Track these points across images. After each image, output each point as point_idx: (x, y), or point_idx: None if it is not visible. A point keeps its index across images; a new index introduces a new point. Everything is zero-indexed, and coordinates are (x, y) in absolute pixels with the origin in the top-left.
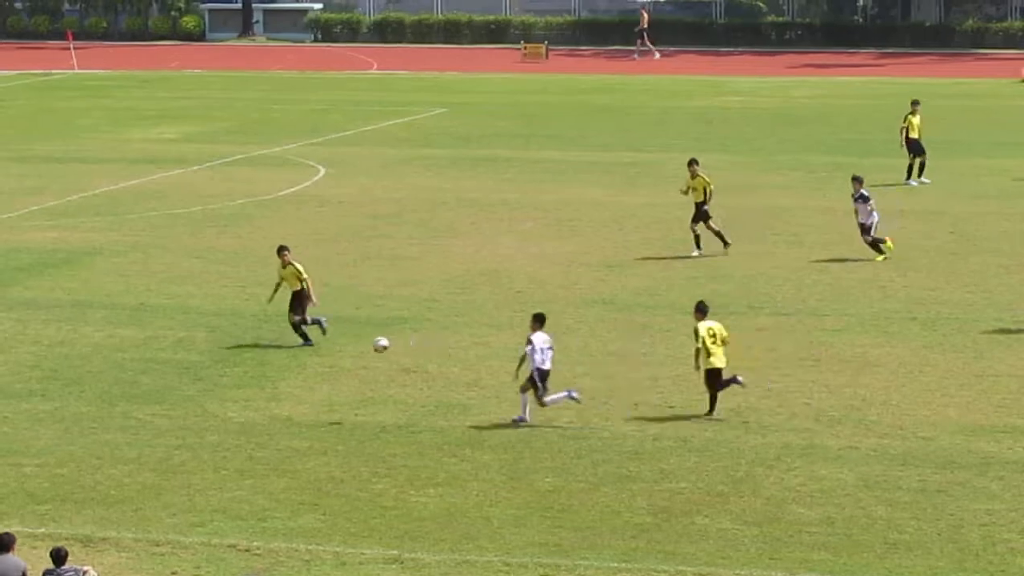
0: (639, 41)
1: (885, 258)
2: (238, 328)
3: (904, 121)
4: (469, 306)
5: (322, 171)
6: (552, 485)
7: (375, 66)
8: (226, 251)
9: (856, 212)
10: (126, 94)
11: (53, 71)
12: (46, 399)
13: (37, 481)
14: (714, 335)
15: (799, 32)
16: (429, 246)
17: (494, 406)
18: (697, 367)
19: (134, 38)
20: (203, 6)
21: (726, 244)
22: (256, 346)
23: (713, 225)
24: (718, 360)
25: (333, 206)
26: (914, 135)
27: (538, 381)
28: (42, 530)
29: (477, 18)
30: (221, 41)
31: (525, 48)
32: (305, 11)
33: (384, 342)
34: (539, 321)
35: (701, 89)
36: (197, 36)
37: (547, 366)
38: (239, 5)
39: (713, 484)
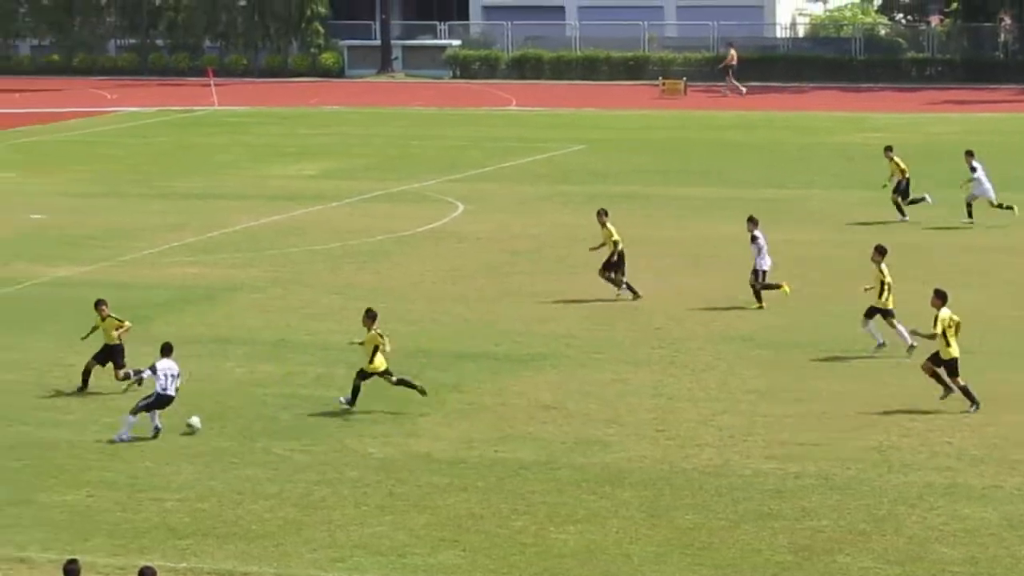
0: (727, 77)
1: (759, 307)
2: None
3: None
4: (607, 343)
5: (460, 207)
6: (692, 522)
7: (513, 102)
8: (365, 287)
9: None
10: (266, 131)
11: (194, 108)
12: (188, 435)
13: (178, 516)
14: (952, 324)
15: (939, 68)
16: (567, 282)
17: (633, 443)
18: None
19: (274, 75)
20: (342, 43)
21: (627, 291)
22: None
23: (614, 276)
24: (955, 350)
25: (471, 242)
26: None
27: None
28: (183, 565)
29: (615, 55)
30: (360, 78)
31: (663, 84)
32: (444, 48)
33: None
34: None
35: (841, 125)
36: (336, 73)
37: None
38: (378, 42)
39: (855, 522)
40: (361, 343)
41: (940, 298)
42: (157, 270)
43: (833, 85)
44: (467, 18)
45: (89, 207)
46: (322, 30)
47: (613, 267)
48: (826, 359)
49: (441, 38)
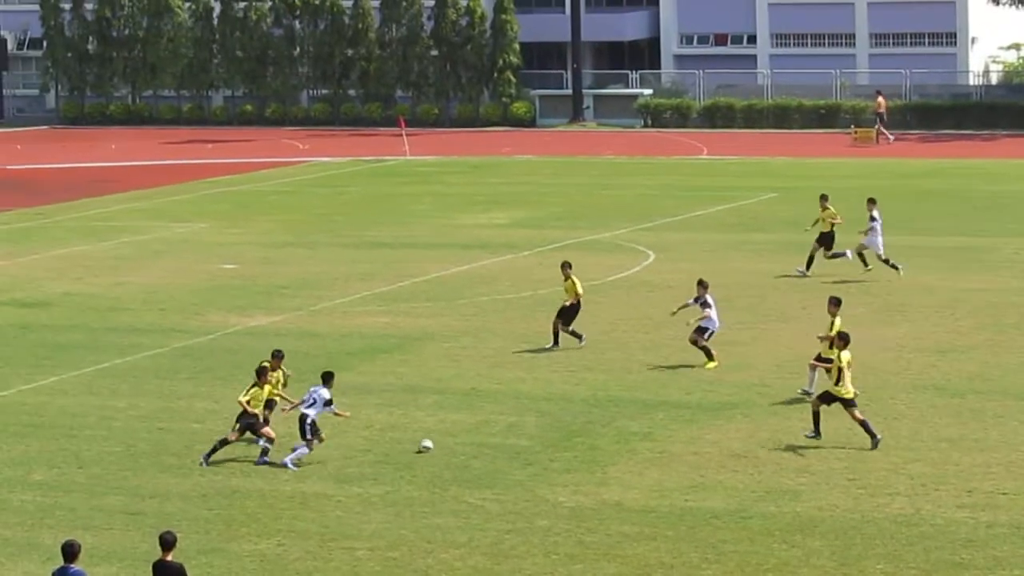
0: (878, 125)
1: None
2: (568, 413)
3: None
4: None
5: (651, 256)
6: (883, 572)
7: (704, 151)
8: (548, 335)
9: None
10: (457, 180)
11: (385, 157)
12: (378, 483)
13: (369, 565)
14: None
15: None
16: (759, 331)
17: (824, 492)
18: None
19: (465, 124)
20: (534, 92)
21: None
22: (586, 431)
23: (564, 328)
24: None
25: (662, 291)
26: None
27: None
28: None
29: (807, 103)
30: (551, 127)
31: (855, 132)
32: (635, 97)
33: (428, 444)
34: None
35: None
36: (528, 122)
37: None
38: (569, 91)
39: None
40: None
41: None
42: (348, 319)
43: None
44: (658, 67)
45: (281, 257)
46: (514, 80)
47: (565, 315)
48: (1019, 408)
49: (632, 87)
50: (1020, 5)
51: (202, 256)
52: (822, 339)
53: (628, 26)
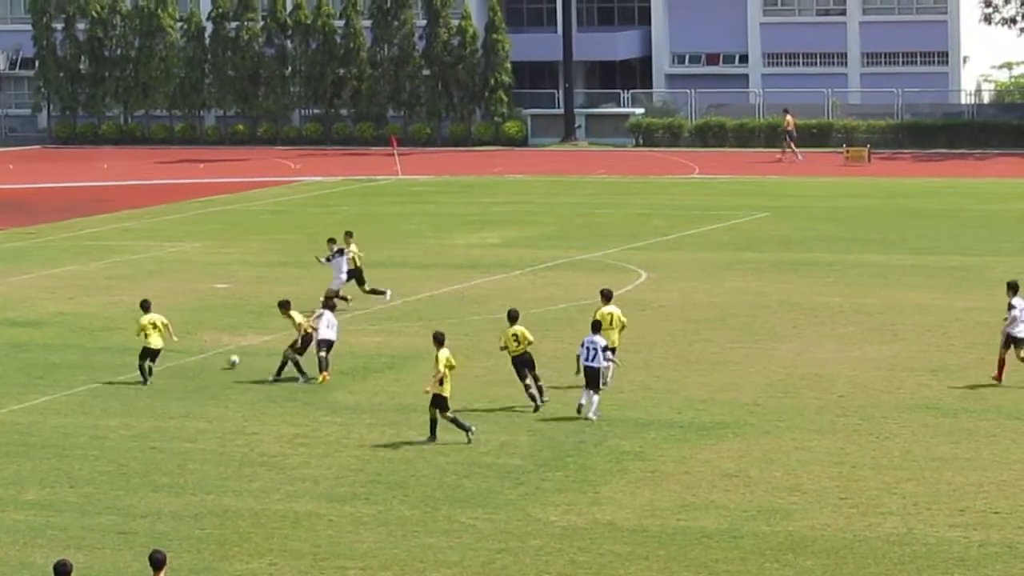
0: (785, 143)
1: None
2: (560, 432)
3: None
4: (791, 411)
5: (643, 275)
6: None
7: (696, 170)
8: (548, 355)
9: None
10: (449, 199)
11: (377, 177)
12: (370, 502)
13: None
14: None
15: None
16: (751, 350)
17: (816, 511)
18: None
19: (457, 144)
20: (526, 112)
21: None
22: (578, 450)
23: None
24: None
25: (654, 310)
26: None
27: None
28: None
29: (799, 122)
30: (543, 146)
31: (847, 152)
32: (627, 116)
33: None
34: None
35: None
36: (520, 142)
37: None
38: (561, 111)
39: None
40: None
41: None
42: (345, 338)
43: (1019, 152)
44: (650, 86)
45: (273, 276)
46: (506, 99)
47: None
48: (1011, 427)
49: (624, 106)
50: (1011, 25)
51: (195, 275)
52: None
53: (620, 45)
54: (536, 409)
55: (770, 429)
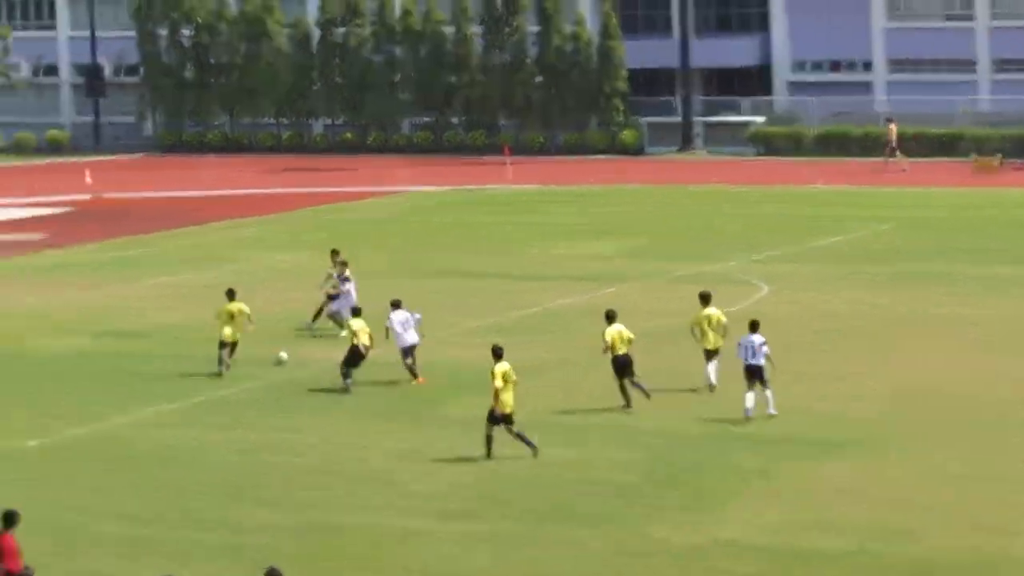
0: (890, 150)
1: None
2: (678, 449)
3: None
4: (915, 425)
5: (764, 288)
6: None
7: (819, 181)
8: (663, 371)
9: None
10: (563, 209)
11: (487, 186)
12: (482, 519)
13: None
14: None
15: None
16: (873, 364)
17: (943, 532)
18: None
19: (571, 152)
20: (642, 120)
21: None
22: (696, 467)
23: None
24: None
25: (776, 323)
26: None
27: None
28: None
29: (927, 131)
30: (660, 155)
31: (976, 161)
32: (746, 124)
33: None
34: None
35: None
36: (636, 150)
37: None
38: (679, 119)
39: None
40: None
41: None
42: (452, 351)
43: None
44: (771, 93)
45: (382, 288)
46: (622, 107)
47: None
48: None
49: (744, 114)
50: None
51: (301, 286)
52: None
53: (738, 52)
54: (646, 394)
55: (894, 444)
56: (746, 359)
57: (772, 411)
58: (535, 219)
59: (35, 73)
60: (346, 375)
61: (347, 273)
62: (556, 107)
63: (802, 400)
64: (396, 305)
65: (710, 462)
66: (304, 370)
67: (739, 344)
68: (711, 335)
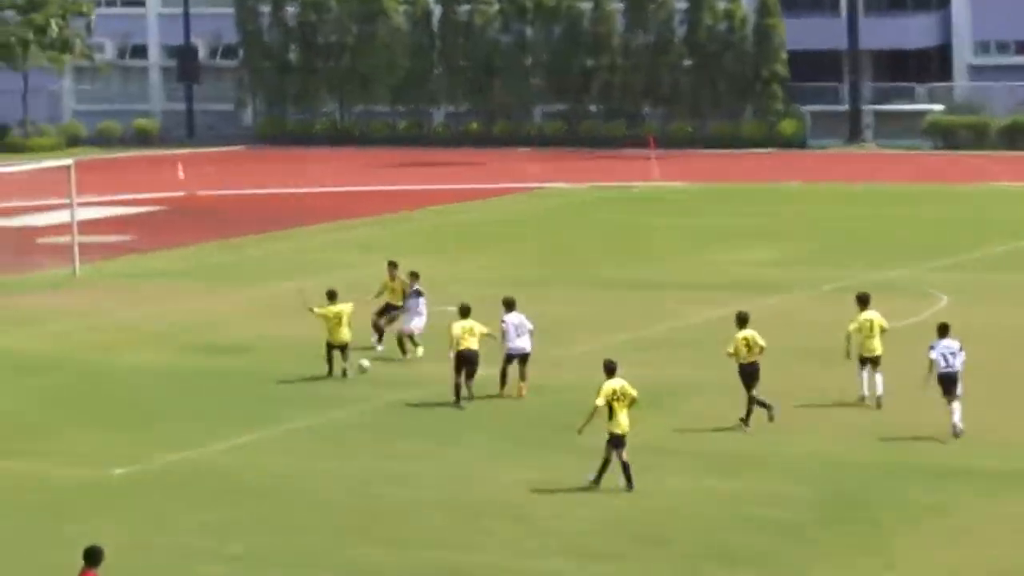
0: None
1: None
2: (845, 481)
3: None
4: None
5: (944, 299)
6: None
7: (1004, 178)
8: (832, 390)
9: None
10: (713, 209)
11: (631, 183)
12: (625, 560)
13: None
14: None
15: None
16: None
17: None
18: None
19: (724, 145)
20: (804, 109)
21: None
22: (867, 503)
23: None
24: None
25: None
26: None
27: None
28: None
29: None
30: (824, 148)
31: None
32: (923, 113)
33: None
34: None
35: None
36: (797, 143)
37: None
38: (846, 107)
39: None
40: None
41: None
42: (591, 371)
43: None
44: (950, 79)
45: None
46: (780, 93)
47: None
48: None
49: (919, 102)
50: None
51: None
52: None
53: (913, 32)
54: (769, 413)
55: None
56: (944, 366)
57: (958, 423)
58: (682, 221)
59: (121, 55)
60: (457, 388)
61: (418, 286)
62: (707, 94)
63: (987, 427)
64: (510, 306)
65: (880, 496)
66: (421, 389)
67: (932, 348)
68: (868, 342)
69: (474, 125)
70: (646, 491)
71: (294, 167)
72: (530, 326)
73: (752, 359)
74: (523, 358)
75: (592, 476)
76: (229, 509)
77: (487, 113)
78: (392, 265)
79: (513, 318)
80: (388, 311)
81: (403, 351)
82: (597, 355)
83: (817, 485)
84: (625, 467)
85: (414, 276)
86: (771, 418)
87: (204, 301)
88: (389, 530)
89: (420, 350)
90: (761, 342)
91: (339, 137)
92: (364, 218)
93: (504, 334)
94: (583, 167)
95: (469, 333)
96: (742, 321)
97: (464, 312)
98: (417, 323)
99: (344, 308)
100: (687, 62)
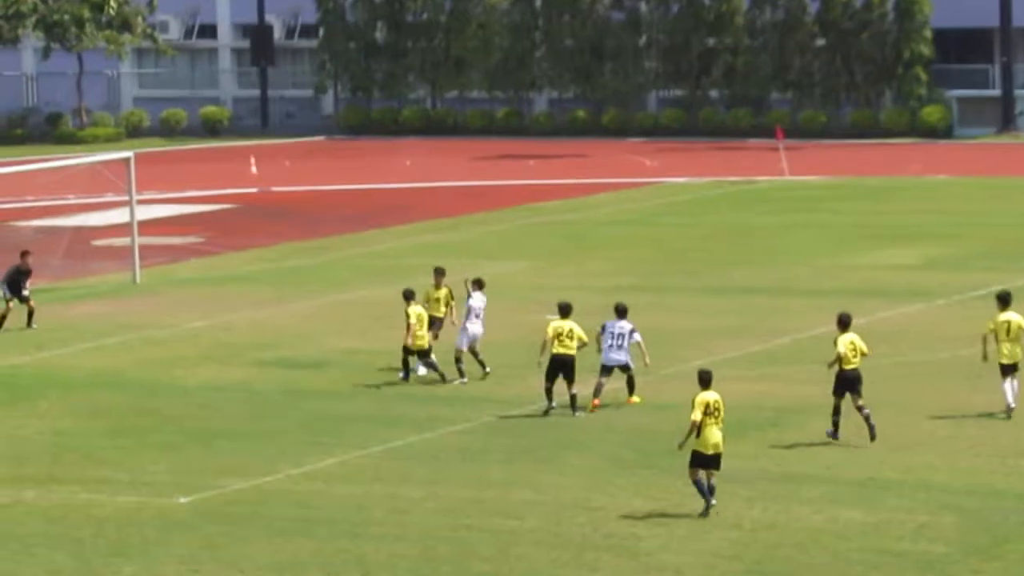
0: None
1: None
2: (996, 512)
3: None
4: None
5: None
6: None
7: None
8: (980, 410)
9: None
10: (849, 207)
11: (756, 178)
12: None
13: None
14: None
15: None
16: None
17: None
18: None
19: (861, 135)
20: (950, 94)
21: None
22: (1019, 535)
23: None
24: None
25: None
26: None
27: None
28: None
29: None
30: (973, 138)
31: None
32: None
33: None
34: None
35: None
36: (943, 132)
37: None
38: (998, 92)
39: None
40: None
41: None
42: (714, 384)
43: None
44: None
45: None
46: (924, 77)
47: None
48: None
49: None
50: None
51: (519, 304)
52: None
53: None
54: (871, 431)
55: None
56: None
57: None
58: (815, 219)
59: (187, 35)
60: (548, 393)
61: (477, 294)
62: (842, 78)
63: None
64: (622, 313)
65: None
66: (518, 407)
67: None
68: (1007, 346)
69: (580, 113)
70: (769, 522)
71: (380, 160)
72: (637, 337)
73: (855, 365)
74: (625, 369)
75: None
76: (306, 541)
77: (595, 100)
78: (439, 272)
79: (617, 326)
80: (433, 325)
81: (460, 373)
82: (714, 368)
83: (965, 516)
84: (711, 490)
85: (477, 284)
86: (872, 436)
87: (279, 310)
88: (485, 564)
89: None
90: (864, 347)
91: (430, 127)
92: (456, 217)
93: (600, 341)
94: (702, 160)
95: (567, 336)
96: (844, 324)
97: (564, 311)
98: (472, 334)
99: (418, 311)
100: (820, 42)
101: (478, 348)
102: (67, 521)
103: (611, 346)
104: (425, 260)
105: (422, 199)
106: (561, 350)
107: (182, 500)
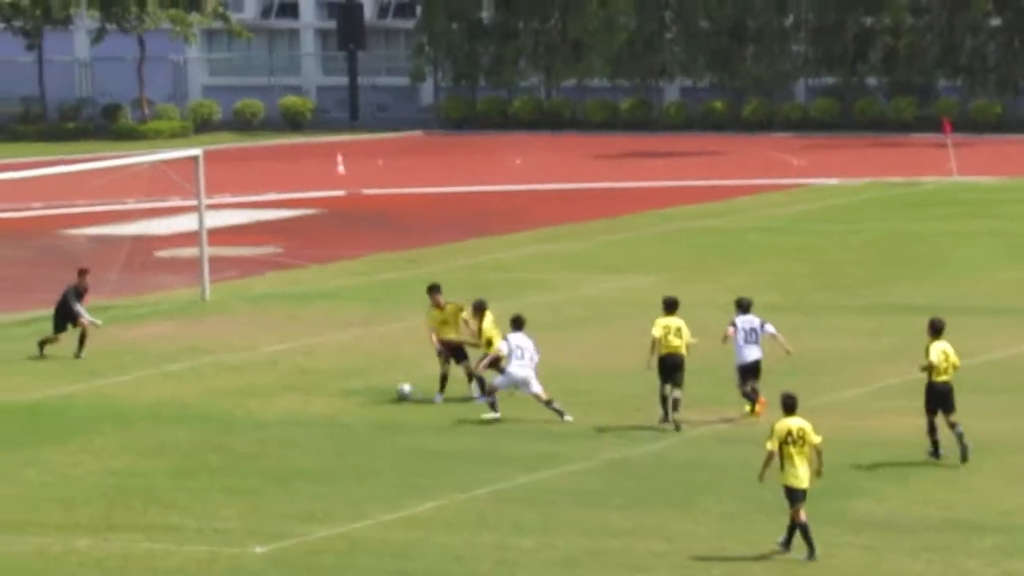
0: None
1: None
2: None
3: None
4: None
5: None
6: None
7: None
8: None
9: None
10: None
11: (921, 178)
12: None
13: None
14: None
15: None
16: None
17: None
18: None
19: None
20: None
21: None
22: None
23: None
24: None
25: None
26: None
27: None
28: None
29: None
30: None
31: None
32: None
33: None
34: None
35: None
36: None
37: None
38: None
39: None
40: None
41: None
42: (864, 419)
43: None
44: None
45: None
46: None
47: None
48: None
49: None
50: None
51: (645, 325)
52: None
53: None
54: (963, 451)
55: None
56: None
57: None
58: (989, 226)
59: (265, 15)
60: (664, 400)
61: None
62: (1020, 63)
63: None
64: (745, 307)
65: None
66: (641, 446)
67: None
68: None
69: (717, 105)
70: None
71: (485, 159)
72: (770, 328)
73: (947, 378)
74: (755, 367)
75: (781, 538)
76: None
77: (735, 90)
78: (434, 289)
79: (744, 320)
80: (455, 354)
81: (493, 407)
82: (870, 398)
83: None
84: (803, 529)
85: (516, 324)
86: (964, 458)
87: (368, 332)
88: None
89: (568, 418)
90: (956, 359)
91: (543, 120)
92: (572, 224)
93: (732, 339)
94: (858, 158)
95: (675, 334)
96: (937, 330)
97: (670, 307)
98: (515, 378)
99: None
100: (994, 21)
101: (543, 396)
102: (126, 573)
103: (747, 342)
104: (538, 275)
105: (534, 203)
106: (671, 349)
107: (258, 550)
